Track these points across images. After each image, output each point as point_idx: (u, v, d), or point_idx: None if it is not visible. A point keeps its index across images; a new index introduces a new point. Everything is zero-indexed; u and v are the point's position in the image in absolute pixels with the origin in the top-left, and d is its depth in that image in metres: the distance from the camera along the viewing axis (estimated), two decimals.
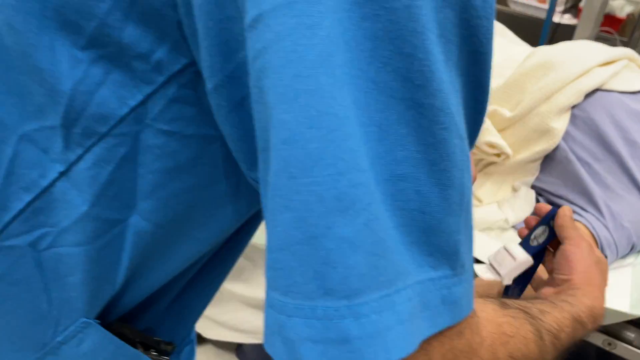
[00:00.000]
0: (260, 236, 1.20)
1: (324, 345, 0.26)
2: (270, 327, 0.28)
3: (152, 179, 0.35)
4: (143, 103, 0.32)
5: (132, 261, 0.38)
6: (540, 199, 0.91)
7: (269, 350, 0.28)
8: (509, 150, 0.88)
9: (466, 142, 0.30)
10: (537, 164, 0.92)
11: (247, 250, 1.23)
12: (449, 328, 0.30)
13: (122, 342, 0.40)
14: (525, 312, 0.41)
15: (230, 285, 1.15)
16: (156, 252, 0.38)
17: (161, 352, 0.47)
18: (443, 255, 0.29)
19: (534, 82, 0.90)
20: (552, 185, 0.89)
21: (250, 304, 1.16)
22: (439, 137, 0.27)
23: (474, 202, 0.94)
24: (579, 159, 0.86)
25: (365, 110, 0.26)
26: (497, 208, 0.91)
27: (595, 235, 0.78)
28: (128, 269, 0.38)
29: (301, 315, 0.27)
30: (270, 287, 0.28)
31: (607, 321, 0.82)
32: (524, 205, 0.89)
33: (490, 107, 0.91)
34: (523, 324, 0.39)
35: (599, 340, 0.86)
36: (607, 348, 0.85)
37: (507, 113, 0.90)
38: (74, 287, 0.37)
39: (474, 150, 0.92)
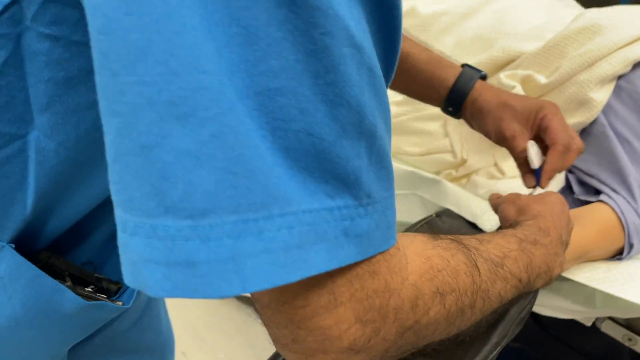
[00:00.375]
0: None
1: (168, 268, 0.24)
2: (120, 247, 0.26)
3: (44, 90, 0.32)
4: (16, 1, 0.30)
5: (40, 183, 0.36)
6: (571, 177, 0.84)
7: (123, 273, 0.26)
8: None
9: (368, 56, 0.26)
10: None
11: None
12: (359, 266, 0.29)
13: (40, 271, 0.39)
14: (458, 243, 0.38)
15: None
16: (68, 176, 0.36)
17: (102, 290, 0.45)
18: (342, 184, 0.26)
19: (576, 46, 0.81)
20: (584, 162, 0.81)
21: None
22: (319, 44, 0.23)
23: (497, 174, 0.87)
24: (618, 135, 0.78)
25: (224, 5, 0.22)
26: (520, 182, 0.84)
27: (623, 220, 0.71)
28: (37, 191, 0.36)
29: (142, 235, 0.24)
30: (114, 203, 0.25)
31: (629, 315, 0.76)
32: (552, 181, 0.82)
33: (525, 72, 0.83)
34: (455, 254, 0.37)
35: (618, 334, 0.80)
36: (627, 344, 0.79)
37: (543, 80, 0.82)
38: None
39: None
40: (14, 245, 0.38)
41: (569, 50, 0.81)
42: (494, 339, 0.60)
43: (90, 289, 0.43)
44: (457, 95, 0.69)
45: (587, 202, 0.79)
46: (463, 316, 0.37)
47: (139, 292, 0.73)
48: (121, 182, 0.24)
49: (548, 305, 0.81)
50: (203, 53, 0.22)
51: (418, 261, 0.33)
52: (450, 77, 0.69)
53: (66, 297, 0.40)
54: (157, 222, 0.24)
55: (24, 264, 0.38)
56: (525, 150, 0.65)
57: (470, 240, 0.41)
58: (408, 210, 0.88)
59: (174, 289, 0.24)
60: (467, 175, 0.87)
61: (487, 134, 0.68)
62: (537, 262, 0.47)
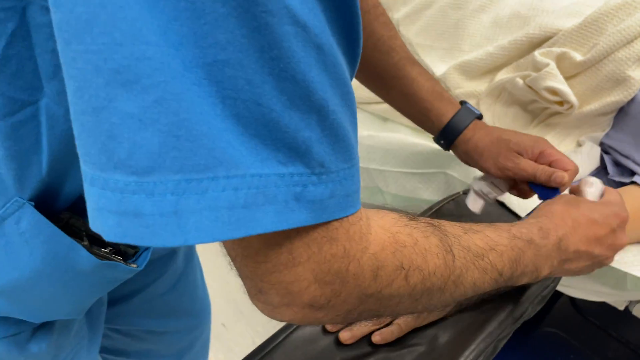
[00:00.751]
0: None
1: (119, 217, 0.26)
2: (85, 195, 0.28)
3: (50, 59, 0.35)
4: None
5: (52, 146, 0.39)
6: (606, 157, 0.81)
7: (89, 218, 0.29)
8: (573, 99, 0.79)
9: (314, 34, 0.27)
10: (609, 118, 0.82)
11: None
12: (316, 231, 0.30)
13: (57, 229, 0.42)
14: (435, 227, 0.39)
15: None
16: None
17: (120, 252, 0.48)
18: (293, 152, 0.28)
19: (615, 22, 0.78)
20: (620, 142, 0.79)
21: None
22: (261, 21, 0.25)
23: None
24: None
25: None
26: None
27: None
28: (50, 154, 0.39)
29: (98, 186, 0.27)
30: (79, 154, 0.28)
31: None
32: (584, 161, 0.80)
33: (560, 49, 0.81)
34: (428, 236, 0.38)
35: None
36: None
37: (579, 57, 0.80)
38: (0, 164, 0.39)
39: (536, 97, 0.83)
40: (33, 204, 0.41)
41: (607, 26, 0.79)
42: (516, 313, 0.60)
43: (107, 250, 0.47)
44: (450, 131, 0.70)
45: (621, 184, 0.77)
46: (431, 296, 0.39)
47: (175, 258, 0.77)
48: (80, 138, 0.27)
49: (578, 287, 0.80)
50: (146, 26, 0.24)
51: (382, 234, 0.35)
52: (448, 112, 0.70)
53: (81, 255, 0.44)
54: (108, 176, 0.26)
55: (42, 221, 0.41)
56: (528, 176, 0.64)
57: (455, 227, 0.42)
58: (437, 189, 0.89)
59: (123, 235, 0.27)
60: None
61: (486, 171, 0.68)
62: (525, 261, 0.47)
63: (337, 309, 0.34)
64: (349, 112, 0.31)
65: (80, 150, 0.27)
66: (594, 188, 0.61)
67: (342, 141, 0.30)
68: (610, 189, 0.61)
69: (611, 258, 0.58)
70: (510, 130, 0.68)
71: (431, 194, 0.89)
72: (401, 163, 0.91)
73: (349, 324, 0.57)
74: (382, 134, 0.94)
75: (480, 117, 0.71)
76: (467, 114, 0.70)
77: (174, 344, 0.85)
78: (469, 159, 0.71)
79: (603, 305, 0.91)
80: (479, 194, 0.67)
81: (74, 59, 0.25)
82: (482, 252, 0.42)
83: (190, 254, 0.82)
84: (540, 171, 0.62)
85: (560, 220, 0.52)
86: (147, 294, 0.75)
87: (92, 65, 0.24)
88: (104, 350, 0.78)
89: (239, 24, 0.25)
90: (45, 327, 0.53)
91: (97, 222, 0.28)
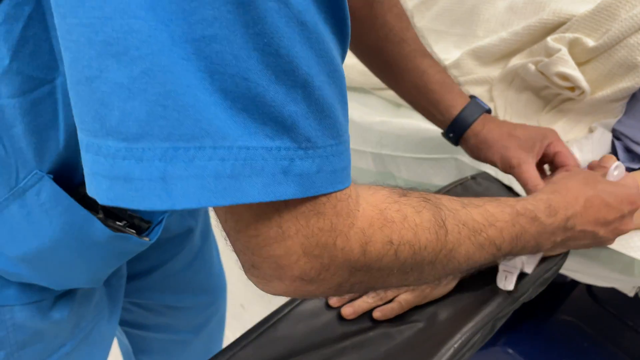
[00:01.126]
0: None
1: (111, 181, 0.28)
2: (82, 161, 0.30)
3: None
4: None
5: (68, 122, 0.42)
6: (618, 143, 0.81)
7: (86, 183, 0.31)
8: (584, 85, 0.79)
9: (298, 10, 0.28)
10: (622, 104, 0.82)
11: None
12: (304, 205, 0.32)
13: (74, 201, 0.45)
14: (428, 201, 0.40)
15: None
16: None
17: (134, 226, 0.51)
18: (280, 126, 0.29)
19: (628, 8, 0.78)
20: (631, 129, 0.79)
21: None
22: None
23: None
24: None
25: None
26: None
27: None
28: (66, 130, 0.42)
29: (92, 152, 0.29)
30: (76, 122, 0.30)
31: None
32: (595, 147, 0.80)
33: (573, 35, 0.81)
34: (420, 211, 0.39)
35: None
36: None
37: (591, 43, 0.80)
38: (20, 138, 0.42)
39: (548, 83, 0.84)
40: (52, 176, 0.44)
41: (620, 12, 0.78)
42: (516, 294, 0.61)
43: (121, 224, 0.50)
44: (460, 124, 0.70)
45: (631, 170, 0.77)
46: (422, 269, 0.40)
47: (192, 237, 0.80)
48: (76, 107, 0.29)
49: (585, 272, 0.81)
50: (135, 1, 0.25)
51: (370, 211, 0.36)
52: (458, 104, 0.70)
53: (96, 226, 0.47)
54: (101, 142, 0.28)
55: (60, 194, 0.44)
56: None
57: (453, 202, 0.43)
58: (448, 174, 0.90)
59: (115, 199, 0.29)
60: None
61: (493, 163, 0.69)
62: (527, 237, 0.47)
63: (328, 282, 0.35)
64: (336, 90, 0.33)
65: (77, 119, 0.30)
66: (617, 171, 0.61)
67: (328, 117, 0.32)
68: (629, 173, 0.61)
69: (612, 240, 0.59)
70: (520, 126, 0.68)
71: (442, 179, 0.90)
72: (413, 148, 0.92)
73: (351, 299, 0.60)
74: (394, 119, 0.96)
75: (489, 111, 0.71)
76: (477, 107, 0.70)
77: (190, 319, 0.88)
78: (477, 152, 0.71)
79: (620, 295, 0.91)
80: (508, 270, 0.61)
81: (69, 31, 0.27)
82: (480, 227, 0.43)
83: (206, 233, 0.84)
84: (530, 186, 0.63)
85: (573, 198, 0.52)
86: (165, 270, 0.78)
87: (85, 37, 0.27)
88: (124, 323, 0.83)
89: (224, 0, 0.26)
90: (66, 296, 0.57)
91: (92, 187, 0.30)
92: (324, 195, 0.33)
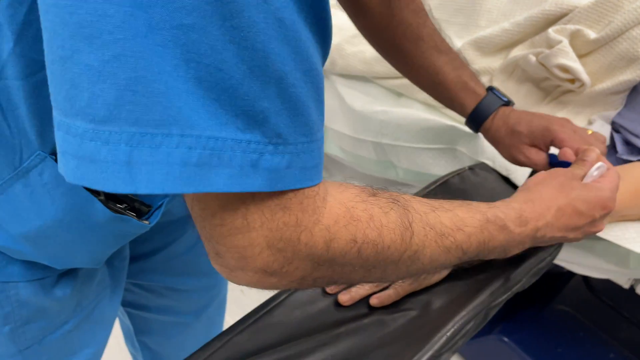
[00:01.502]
0: (333, 147, 1.21)
1: (78, 160, 0.29)
2: (55, 138, 0.31)
3: None
4: None
5: None
6: (617, 136, 0.81)
7: (58, 160, 0.31)
8: (584, 77, 0.79)
9: (276, 7, 0.29)
10: (622, 97, 0.82)
11: (325, 160, 1.26)
12: (271, 199, 0.32)
13: None
14: (396, 203, 0.40)
15: None
16: None
17: (134, 210, 0.51)
18: (251, 120, 0.29)
19: (632, 0, 0.77)
20: (631, 122, 0.79)
21: None
22: None
23: None
24: None
25: None
26: None
27: None
28: None
29: (63, 130, 0.29)
30: (51, 101, 0.30)
31: None
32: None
33: (574, 26, 0.81)
34: (387, 212, 0.39)
35: None
36: None
37: (592, 35, 0.79)
38: (24, 119, 0.42)
39: (548, 74, 0.84)
40: (54, 157, 0.44)
41: (624, 3, 0.78)
42: (509, 284, 0.62)
43: (121, 207, 0.50)
44: (473, 122, 0.72)
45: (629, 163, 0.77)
46: (385, 268, 0.40)
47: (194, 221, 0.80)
48: (51, 85, 0.30)
49: (580, 263, 0.81)
50: None
51: (337, 209, 0.36)
52: (470, 104, 0.71)
53: (97, 208, 0.47)
54: (71, 122, 0.29)
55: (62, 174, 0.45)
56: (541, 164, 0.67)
57: (422, 204, 0.43)
58: (447, 164, 0.90)
59: (81, 178, 0.29)
60: None
61: (506, 159, 0.72)
62: (494, 244, 0.48)
63: (291, 275, 0.36)
64: (312, 89, 0.33)
65: (52, 97, 0.30)
66: (597, 172, 0.61)
67: (301, 115, 0.32)
68: (611, 171, 0.60)
69: (580, 239, 0.59)
70: (524, 119, 0.69)
71: (441, 169, 0.91)
72: (413, 138, 0.93)
73: (346, 287, 0.60)
74: (395, 109, 0.96)
75: (507, 103, 0.71)
76: (489, 103, 0.70)
77: (191, 301, 0.89)
78: (494, 147, 0.73)
79: (616, 286, 0.92)
80: None
81: (47, 11, 0.28)
82: (447, 231, 0.43)
83: None
84: (543, 164, 0.66)
85: (545, 208, 0.52)
86: (167, 252, 0.79)
87: (60, 18, 0.27)
88: (126, 304, 0.84)
89: None
90: (69, 275, 0.58)
91: (62, 164, 0.30)
92: (292, 190, 0.33)
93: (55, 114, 0.30)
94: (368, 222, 0.37)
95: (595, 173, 0.61)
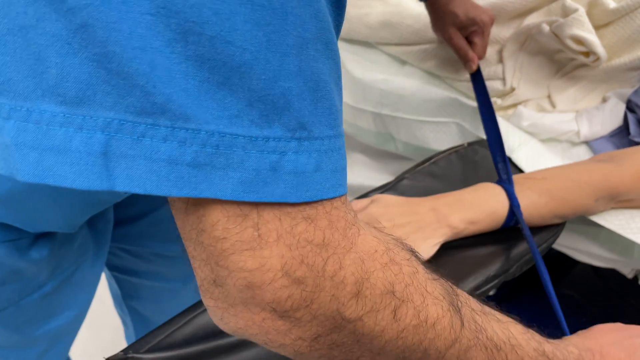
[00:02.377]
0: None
1: (40, 153, 0.24)
2: None
3: None
4: None
5: None
6: (631, 116, 0.75)
7: None
8: (600, 50, 0.72)
9: None
10: (639, 74, 0.75)
11: None
12: (290, 205, 0.25)
13: None
14: (440, 277, 0.32)
15: None
16: None
17: None
18: (270, 108, 0.24)
19: None
20: None
21: None
22: None
23: (547, 106, 0.80)
24: None
25: None
26: (572, 117, 0.77)
27: None
28: None
29: (18, 118, 0.24)
30: None
31: None
32: (605, 119, 0.75)
33: None
34: (430, 278, 0.31)
35: None
36: None
37: (612, 4, 0.73)
38: None
39: (560, 45, 0.77)
40: None
41: None
42: (493, 271, 0.58)
43: None
44: None
45: None
46: (425, 357, 0.31)
47: None
48: (2, 62, 0.24)
49: (583, 251, 0.77)
50: None
51: (374, 242, 0.28)
52: None
53: None
54: (33, 106, 0.24)
55: None
56: (461, 46, 0.79)
57: (471, 300, 0.34)
58: (448, 139, 0.85)
59: (44, 175, 0.24)
60: (514, 106, 0.82)
61: (434, 31, 0.84)
62: None
63: (304, 327, 0.27)
64: (334, 67, 0.26)
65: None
66: None
67: (325, 99, 0.26)
68: None
69: None
70: (462, 5, 0.78)
71: (441, 145, 0.86)
72: (413, 110, 0.87)
73: None
74: (397, 78, 0.90)
75: None
76: None
77: (179, 268, 0.87)
78: (429, 14, 0.83)
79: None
80: None
81: None
82: (500, 344, 0.34)
83: None
84: (462, 54, 0.79)
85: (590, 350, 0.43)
86: (154, 217, 0.77)
87: None
88: (114, 268, 0.83)
89: None
90: (46, 237, 0.56)
91: (11, 160, 0.25)
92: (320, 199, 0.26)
93: (3, 100, 0.25)
94: (411, 277, 0.29)
95: None
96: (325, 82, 0.26)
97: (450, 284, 0.33)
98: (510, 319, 0.38)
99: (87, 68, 0.23)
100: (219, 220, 0.25)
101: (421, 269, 0.31)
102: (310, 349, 0.28)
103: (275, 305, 0.26)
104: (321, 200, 0.26)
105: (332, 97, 0.26)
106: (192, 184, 0.24)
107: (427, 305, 0.29)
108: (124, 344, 0.85)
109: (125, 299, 0.89)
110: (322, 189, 0.26)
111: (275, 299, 0.26)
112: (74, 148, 0.24)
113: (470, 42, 0.80)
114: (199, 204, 0.26)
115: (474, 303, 0.35)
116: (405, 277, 0.29)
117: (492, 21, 0.80)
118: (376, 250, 0.28)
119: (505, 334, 0.35)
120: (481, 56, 0.80)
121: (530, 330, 0.39)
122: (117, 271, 0.84)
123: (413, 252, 0.32)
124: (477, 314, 0.34)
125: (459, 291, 0.34)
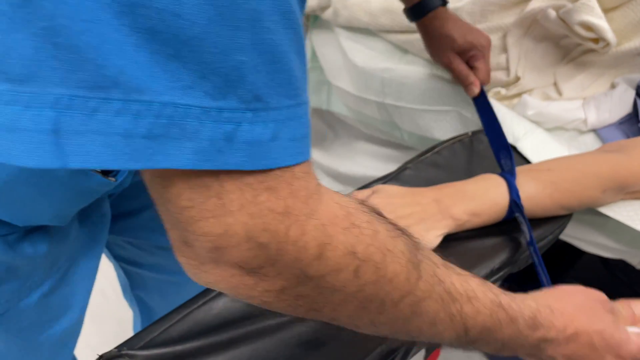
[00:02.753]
0: (339, 105, 1.17)
1: None
2: None
3: None
4: None
5: None
6: None
7: None
8: (610, 36, 0.70)
9: None
10: None
11: (330, 119, 1.20)
12: (252, 175, 0.26)
13: None
14: (404, 233, 0.34)
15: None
16: None
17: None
18: (222, 81, 0.24)
19: None
20: None
21: (327, 172, 1.14)
22: None
23: (553, 94, 0.78)
24: None
25: None
26: (579, 105, 0.75)
27: None
28: None
29: None
30: None
31: None
32: (614, 106, 0.73)
33: None
34: (392, 236, 0.32)
35: None
36: None
37: None
38: None
39: (568, 32, 0.75)
40: None
41: None
42: (498, 264, 0.57)
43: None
44: (414, 15, 0.78)
45: None
46: (382, 308, 0.33)
47: None
48: None
49: (590, 242, 0.75)
50: None
51: (335, 207, 0.30)
52: None
53: None
54: None
55: None
56: (462, 70, 0.76)
57: (434, 255, 0.36)
58: (450, 128, 0.83)
59: None
60: (518, 95, 0.80)
61: (431, 55, 0.81)
62: (497, 336, 0.39)
63: (271, 281, 0.29)
64: (293, 37, 0.27)
65: None
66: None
67: (283, 71, 0.26)
68: None
69: None
70: (461, 28, 0.76)
71: (443, 134, 0.84)
72: (415, 99, 0.86)
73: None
74: (399, 66, 0.88)
75: (444, 3, 0.76)
76: (432, 2, 0.75)
77: None
78: (425, 42, 0.80)
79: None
80: None
81: None
82: (457, 295, 0.36)
83: None
84: (463, 77, 0.75)
85: (562, 325, 0.43)
86: (154, 210, 0.77)
87: None
88: (121, 259, 0.84)
89: None
90: (39, 231, 0.55)
91: None
92: (279, 168, 0.27)
93: None
94: (372, 238, 0.31)
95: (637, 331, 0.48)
96: (283, 53, 0.26)
97: (414, 238, 0.35)
98: (469, 273, 0.40)
99: (31, 43, 0.22)
100: (183, 190, 0.27)
101: (382, 228, 0.32)
102: (277, 299, 0.31)
103: (242, 264, 0.28)
104: (282, 169, 0.27)
105: (292, 67, 0.27)
106: (148, 155, 0.24)
107: (387, 262, 0.32)
108: (127, 337, 0.85)
109: (133, 289, 0.90)
110: (280, 157, 0.26)
111: (241, 259, 0.28)
112: (23, 126, 0.23)
113: (471, 67, 0.76)
114: (162, 175, 0.27)
115: (435, 257, 0.37)
116: (366, 238, 0.31)
117: (489, 44, 0.77)
118: (337, 216, 0.30)
119: (463, 287, 0.37)
120: (485, 82, 0.75)
121: (488, 283, 0.41)
122: (123, 262, 0.84)
123: (378, 212, 0.33)
124: (438, 267, 0.36)
125: (422, 245, 0.36)
